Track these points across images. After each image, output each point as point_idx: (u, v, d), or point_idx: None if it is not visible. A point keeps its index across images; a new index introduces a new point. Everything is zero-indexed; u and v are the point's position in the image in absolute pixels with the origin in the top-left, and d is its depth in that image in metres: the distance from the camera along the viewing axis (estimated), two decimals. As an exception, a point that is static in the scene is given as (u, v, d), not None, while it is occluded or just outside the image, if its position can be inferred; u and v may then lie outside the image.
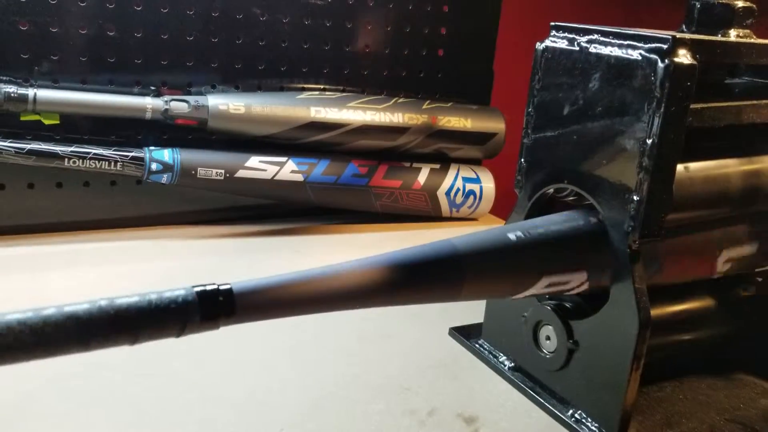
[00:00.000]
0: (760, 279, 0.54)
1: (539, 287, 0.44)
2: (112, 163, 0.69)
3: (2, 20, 0.67)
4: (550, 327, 0.48)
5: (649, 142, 0.42)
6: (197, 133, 0.76)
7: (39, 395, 0.46)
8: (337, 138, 0.79)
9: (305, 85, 0.82)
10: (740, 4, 0.48)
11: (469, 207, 0.87)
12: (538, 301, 0.49)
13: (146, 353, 0.50)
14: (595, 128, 0.45)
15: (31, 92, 0.67)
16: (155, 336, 0.31)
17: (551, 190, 0.49)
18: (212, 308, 0.32)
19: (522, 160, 0.51)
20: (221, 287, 0.33)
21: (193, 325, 0.32)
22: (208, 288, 0.33)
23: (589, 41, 0.46)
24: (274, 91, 0.80)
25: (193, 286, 0.32)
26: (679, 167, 0.43)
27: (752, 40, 0.47)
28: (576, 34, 0.47)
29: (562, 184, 0.48)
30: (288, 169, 0.77)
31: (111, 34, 0.71)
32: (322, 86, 0.83)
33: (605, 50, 0.44)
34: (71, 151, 0.68)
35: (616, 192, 0.44)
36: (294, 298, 0.35)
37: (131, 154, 0.70)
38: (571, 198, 0.49)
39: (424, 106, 0.84)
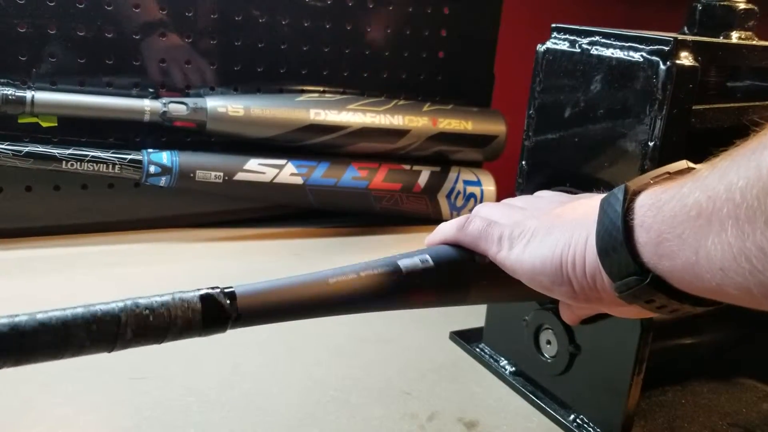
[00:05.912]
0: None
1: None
2: (110, 166, 0.69)
3: (0, 22, 0.67)
4: (552, 331, 0.48)
5: (651, 144, 0.41)
6: (196, 136, 0.76)
7: (37, 400, 0.46)
8: (337, 140, 0.79)
9: (304, 87, 0.82)
10: (742, 5, 0.47)
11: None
12: (539, 305, 0.49)
13: (145, 357, 0.50)
14: (597, 130, 0.45)
15: (29, 94, 0.67)
16: (159, 340, 0.31)
17: (552, 193, 0.49)
18: (215, 311, 0.32)
19: (523, 162, 0.51)
20: (225, 290, 0.33)
21: (195, 328, 0.32)
22: (212, 291, 0.32)
23: (591, 43, 0.45)
24: (274, 94, 0.80)
25: (197, 290, 0.32)
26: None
27: (754, 42, 0.47)
28: (577, 36, 0.46)
29: (564, 187, 0.48)
30: (287, 171, 0.77)
31: (109, 36, 0.71)
32: (321, 88, 0.83)
33: (607, 52, 0.44)
34: (69, 154, 0.67)
35: (617, 195, 0.44)
36: (297, 302, 0.35)
37: (129, 157, 0.70)
38: (573, 201, 0.48)
39: (424, 109, 0.84)
